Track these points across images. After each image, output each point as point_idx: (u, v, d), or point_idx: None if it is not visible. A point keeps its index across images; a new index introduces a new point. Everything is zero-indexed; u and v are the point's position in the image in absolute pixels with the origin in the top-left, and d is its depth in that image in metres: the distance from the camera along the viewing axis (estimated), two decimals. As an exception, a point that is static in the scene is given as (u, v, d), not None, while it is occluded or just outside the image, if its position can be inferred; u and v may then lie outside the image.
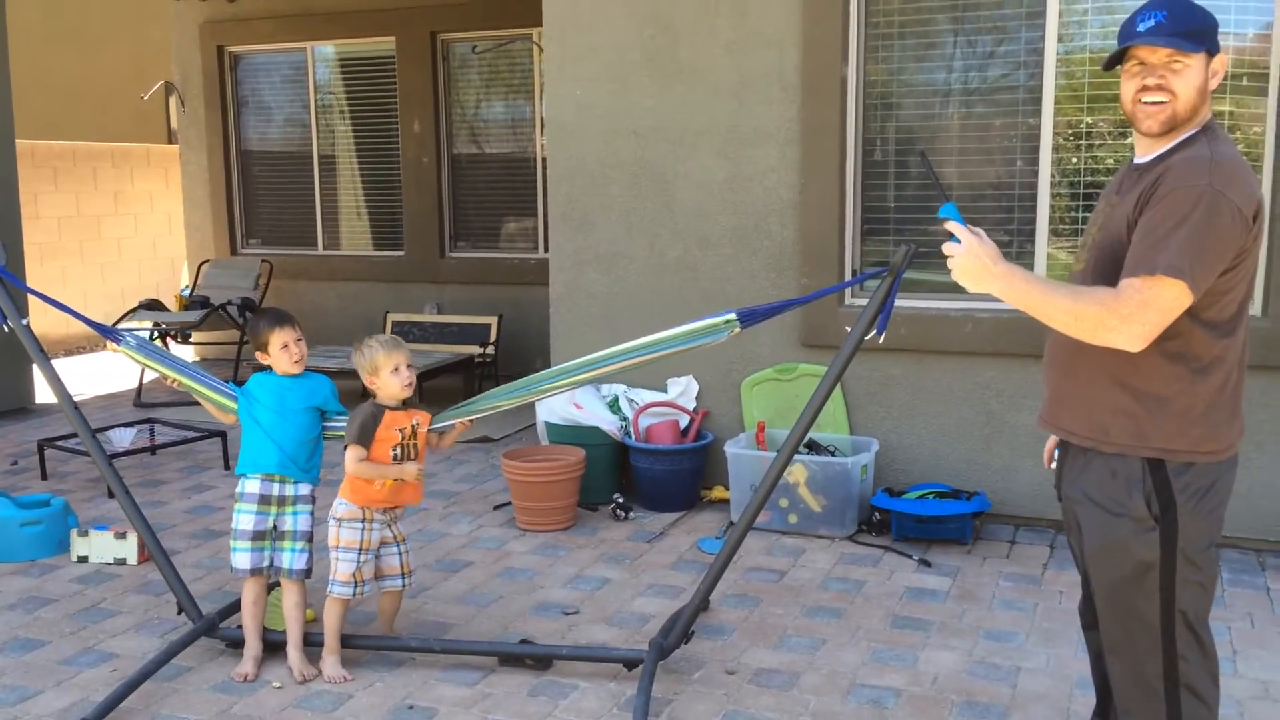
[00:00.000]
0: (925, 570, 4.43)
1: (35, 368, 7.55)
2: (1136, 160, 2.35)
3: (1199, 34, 2.23)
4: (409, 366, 3.54)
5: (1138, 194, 2.24)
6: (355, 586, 3.51)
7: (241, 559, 3.51)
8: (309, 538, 3.58)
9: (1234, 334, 2.24)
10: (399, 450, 3.51)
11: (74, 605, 4.14)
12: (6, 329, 3.84)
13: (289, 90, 9.32)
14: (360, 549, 3.51)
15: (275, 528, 3.54)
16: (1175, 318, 2.14)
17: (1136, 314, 2.12)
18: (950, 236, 2.28)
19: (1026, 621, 3.92)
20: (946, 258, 2.27)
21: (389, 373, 3.50)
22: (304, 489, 3.58)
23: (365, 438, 3.47)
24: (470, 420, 3.68)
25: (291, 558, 3.53)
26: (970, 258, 2.23)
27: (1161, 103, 2.24)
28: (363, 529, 3.52)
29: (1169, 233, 2.12)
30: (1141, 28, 2.24)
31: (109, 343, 3.78)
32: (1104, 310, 2.14)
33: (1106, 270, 2.28)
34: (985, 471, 4.99)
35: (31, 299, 7.63)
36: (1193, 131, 2.27)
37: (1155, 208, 2.16)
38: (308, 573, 3.57)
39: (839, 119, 5.04)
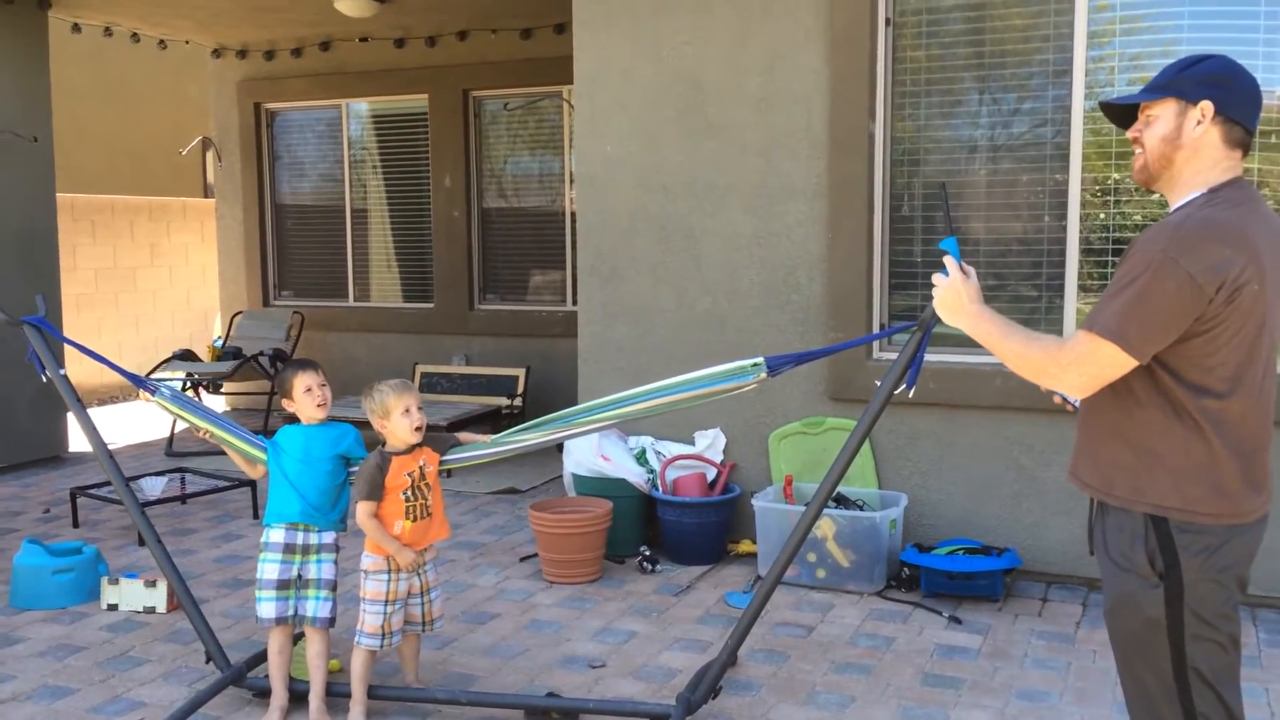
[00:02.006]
0: (956, 627, 4.37)
1: (69, 416, 7.68)
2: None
3: (1165, 84, 2.24)
4: (419, 409, 3.55)
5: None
6: (383, 638, 3.52)
7: (266, 608, 3.53)
8: (333, 586, 3.59)
9: (1230, 397, 2.17)
10: (410, 493, 3.51)
11: (103, 653, 4.15)
12: (45, 378, 3.91)
13: (323, 146, 9.50)
14: (387, 600, 3.52)
15: (300, 576, 3.56)
16: (1119, 374, 2.18)
17: (1074, 365, 2.20)
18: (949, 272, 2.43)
19: (1060, 681, 3.86)
20: (933, 286, 2.42)
21: (399, 414, 3.50)
22: (328, 537, 3.60)
23: (375, 491, 3.48)
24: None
25: (315, 606, 3.54)
26: (951, 292, 2.40)
27: (1136, 153, 2.29)
28: (389, 580, 3.52)
29: (1114, 294, 2.16)
30: None
31: (143, 393, 3.84)
32: (1047, 357, 2.23)
33: None
34: (1016, 527, 4.94)
35: (68, 349, 7.76)
36: (1196, 193, 2.23)
37: (1118, 268, 2.21)
38: (331, 621, 3.57)
39: (866, 174, 5.08)
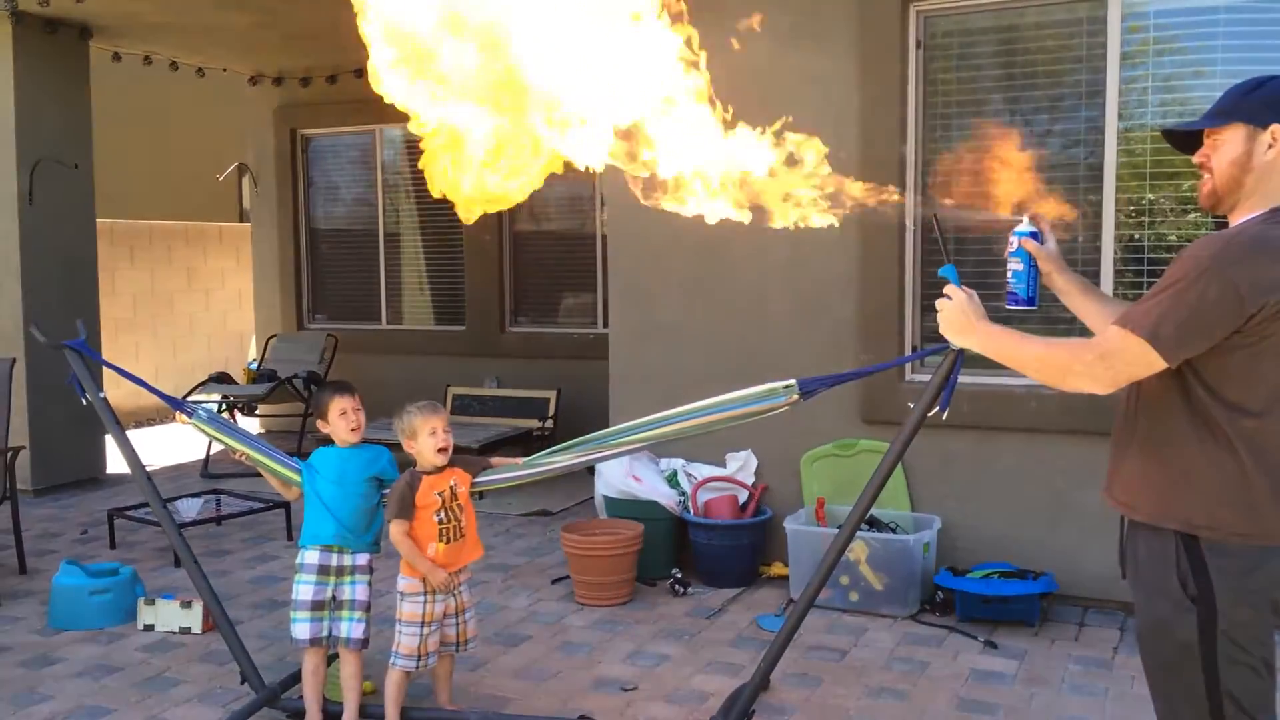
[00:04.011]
0: (991, 652, 4.33)
1: (107, 439, 7.77)
2: None
3: (1230, 109, 2.24)
4: (445, 430, 3.59)
5: None
6: (419, 660, 3.54)
7: (301, 629, 3.55)
8: (366, 608, 3.61)
9: (1267, 417, 2.15)
10: (443, 514, 3.54)
11: (140, 674, 4.19)
12: (85, 401, 3.96)
13: (357, 171, 9.61)
14: (423, 622, 3.53)
15: (334, 598, 3.58)
16: (1146, 373, 2.17)
17: (1100, 360, 2.19)
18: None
19: (1097, 707, 3.81)
20: (937, 311, 2.47)
21: (425, 435, 3.55)
22: (361, 559, 3.62)
23: (406, 510, 3.51)
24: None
25: (349, 627, 3.57)
26: (956, 312, 2.45)
27: (1204, 178, 2.29)
28: (424, 601, 3.54)
29: (1155, 294, 2.15)
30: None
31: (179, 415, 3.89)
32: (1070, 354, 2.24)
33: None
34: (1052, 551, 4.88)
35: (106, 372, 7.87)
36: (1259, 212, 2.22)
37: (1166, 273, 2.19)
38: (365, 643, 3.59)
39: (898, 193, 5.07)
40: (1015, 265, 2.65)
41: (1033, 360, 2.30)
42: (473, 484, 3.66)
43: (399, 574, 3.59)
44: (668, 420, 3.41)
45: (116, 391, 9.07)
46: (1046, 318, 4.97)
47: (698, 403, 3.42)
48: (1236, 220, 2.27)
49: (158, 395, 4.01)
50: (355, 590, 3.60)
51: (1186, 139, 2.35)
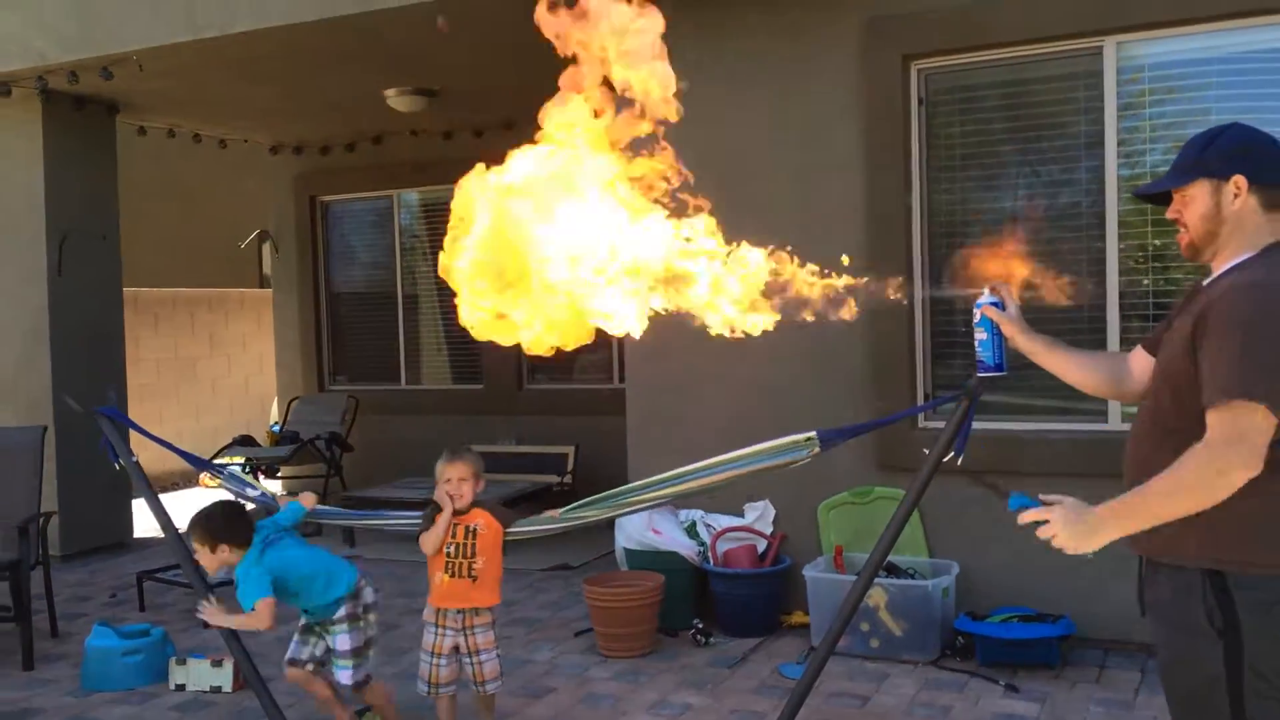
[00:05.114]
0: (1013, 695, 4.35)
1: (134, 504, 7.89)
2: (1204, 281, 2.40)
3: (1191, 166, 2.33)
4: (460, 480, 3.80)
5: (1194, 315, 2.26)
6: (429, 686, 3.82)
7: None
8: (352, 653, 3.84)
9: None
10: (452, 549, 3.78)
11: (172, 732, 4.26)
12: (118, 466, 4.09)
13: (375, 234, 9.82)
14: (433, 652, 3.81)
15: (328, 649, 3.88)
16: (1270, 435, 2.12)
17: (1232, 449, 2.11)
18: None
19: (1120, 747, 3.83)
20: (1049, 540, 2.27)
21: (442, 482, 3.82)
22: (336, 614, 3.84)
23: (427, 525, 3.82)
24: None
25: (339, 673, 3.85)
26: (1067, 526, 2.27)
27: (1181, 231, 2.37)
28: (436, 633, 3.82)
29: (1218, 362, 2.14)
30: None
31: (204, 476, 4.06)
32: (1202, 464, 2.14)
33: (1164, 388, 2.33)
34: (1071, 594, 4.91)
35: (133, 437, 7.99)
36: (1247, 255, 2.29)
37: (1212, 338, 2.18)
38: (359, 684, 3.86)
39: (904, 246, 5.19)
40: (980, 335, 2.82)
41: (1171, 500, 2.18)
42: (506, 533, 3.81)
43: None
44: (692, 475, 3.52)
45: (142, 456, 9.22)
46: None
47: (720, 457, 3.51)
48: (1221, 266, 2.34)
49: (185, 457, 4.14)
50: (336, 641, 3.87)
51: (1161, 194, 2.44)
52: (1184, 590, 2.25)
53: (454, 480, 3.79)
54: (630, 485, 3.70)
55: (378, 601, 4.03)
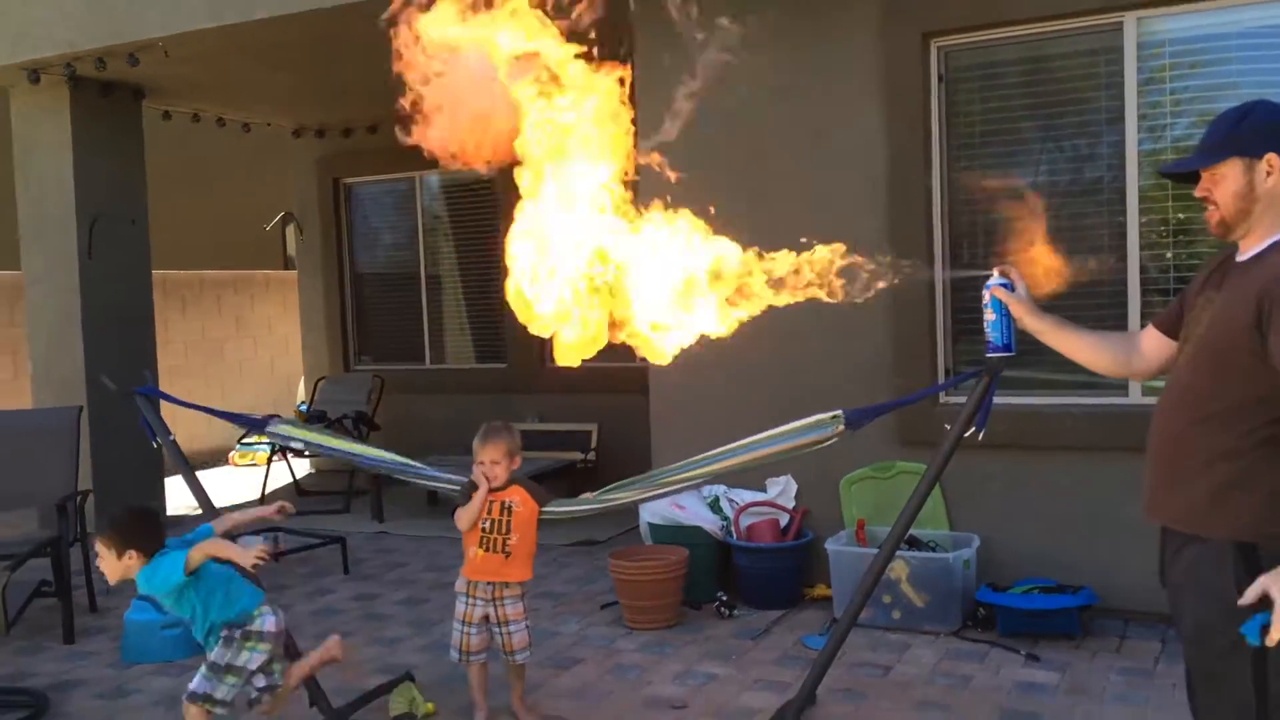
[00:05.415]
0: (1034, 665, 4.42)
1: (166, 482, 8.04)
2: (1238, 257, 2.42)
3: (1222, 144, 2.36)
4: (493, 462, 3.88)
5: (1252, 295, 2.26)
6: (460, 654, 3.94)
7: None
8: (215, 669, 3.53)
9: None
10: (487, 524, 3.89)
11: (211, 702, 4.37)
12: (156, 444, 4.20)
13: (398, 216, 9.91)
14: (464, 620, 3.93)
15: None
16: None
17: None
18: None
19: (1140, 715, 3.90)
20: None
21: (476, 463, 3.92)
22: (252, 626, 3.54)
23: (464, 499, 3.95)
24: None
25: (194, 679, 3.59)
26: None
27: (1210, 209, 2.40)
28: (467, 603, 3.93)
29: None
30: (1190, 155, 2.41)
31: (233, 455, 4.15)
32: None
33: (1203, 366, 2.35)
34: (1091, 566, 4.96)
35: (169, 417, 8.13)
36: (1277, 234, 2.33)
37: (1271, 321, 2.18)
38: (269, 690, 3.58)
39: (925, 223, 5.23)
40: (989, 316, 2.89)
41: None
42: (542, 512, 3.92)
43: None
44: (721, 456, 3.62)
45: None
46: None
47: (749, 438, 3.59)
48: (1255, 244, 2.37)
49: (236, 420, 4.28)
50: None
51: (1187, 173, 2.47)
52: (1212, 562, 2.29)
53: (487, 462, 3.88)
54: (663, 469, 3.79)
55: (277, 634, 3.59)
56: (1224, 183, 2.37)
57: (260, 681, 3.55)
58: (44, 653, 5.10)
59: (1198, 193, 2.42)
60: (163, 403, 4.23)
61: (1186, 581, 2.38)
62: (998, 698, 4.10)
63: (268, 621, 3.54)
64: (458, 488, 3.98)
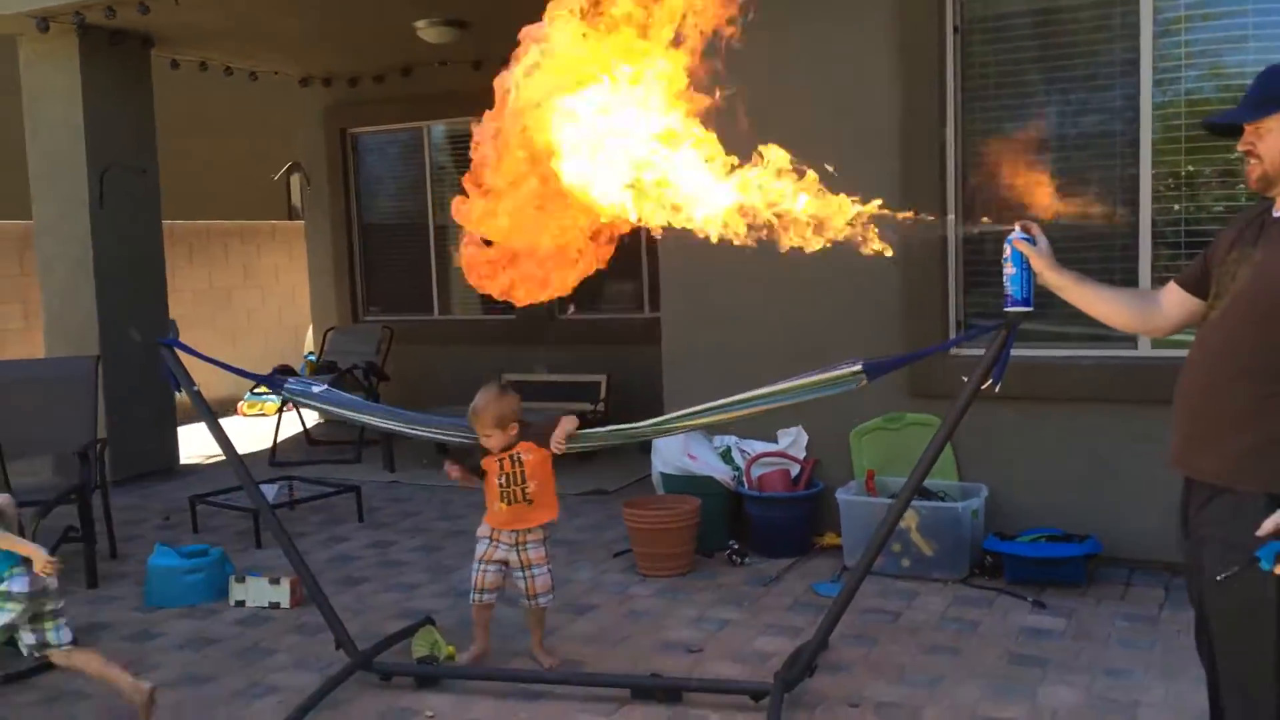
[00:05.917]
0: (1040, 611, 4.51)
1: (179, 431, 8.12)
2: (1275, 213, 2.43)
3: (1268, 99, 2.37)
4: (487, 436, 3.96)
5: None
6: (476, 592, 4.06)
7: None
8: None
9: None
10: (504, 479, 3.99)
11: (237, 645, 4.48)
12: (178, 394, 4.26)
13: (406, 166, 9.89)
14: (482, 560, 4.05)
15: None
16: None
17: None
18: None
19: (1144, 659, 3.99)
20: None
21: (479, 433, 3.99)
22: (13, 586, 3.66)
23: (476, 469, 4.04)
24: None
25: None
26: None
27: (1252, 163, 2.41)
28: (488, 544, 4.07)
29: None
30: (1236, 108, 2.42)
31: (242, 405, 4.22)
32: None
33: (1246, 319, 2.37)
34: (1097, 516, 5.04)
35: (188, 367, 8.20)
36: None
37: None
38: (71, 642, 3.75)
39: (938, 175, 5.24)
40: (1009, 270, 2.92)
41: None
42: (567, 445, 3.94)
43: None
44: (741, 404, 3.66)
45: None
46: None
47: (768, 388, 3.63)
48: None
49: (253, 378, 4.34)
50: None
51: (1225, 127, 2.49)
52: (1241, 513, 2.31)
53: (483, 438, 3.98)
54: (678, 413, 3.84)
55: (31, 595, 3.67)
56: (1269, 137, 2.38)
57: (29, 638, 3.69)
58: (68, 597, 5.16)
59: (1241, 146, 2.43)
60: (180, 354, 4.25)
61: (1214, 533, 2.40)
62: (1006, 642, 4.20)
63: (16, 583, 3.64)
64: (470, 441, 4.06)
